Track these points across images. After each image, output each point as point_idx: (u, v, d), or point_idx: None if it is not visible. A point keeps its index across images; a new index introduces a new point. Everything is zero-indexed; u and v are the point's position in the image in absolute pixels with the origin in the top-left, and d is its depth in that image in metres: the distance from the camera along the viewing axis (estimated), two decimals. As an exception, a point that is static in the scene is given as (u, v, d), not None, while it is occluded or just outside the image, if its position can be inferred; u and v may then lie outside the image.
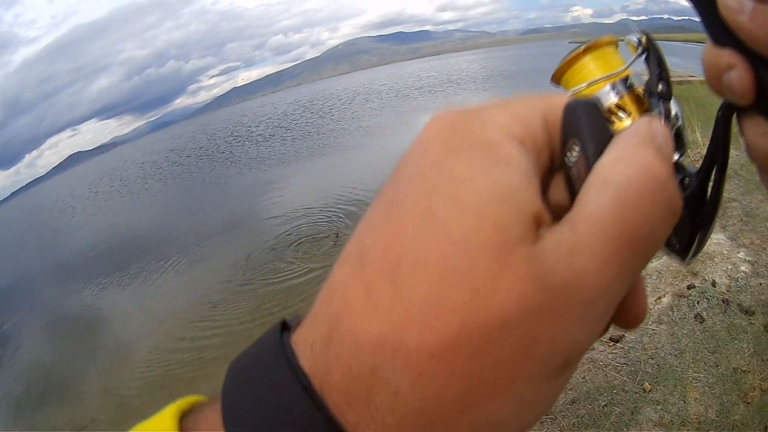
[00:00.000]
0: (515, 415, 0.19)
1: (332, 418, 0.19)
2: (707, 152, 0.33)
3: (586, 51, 0.38)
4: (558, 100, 0.23)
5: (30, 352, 7.44)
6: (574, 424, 2.52)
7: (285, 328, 0.24)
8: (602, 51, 0.38)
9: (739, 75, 0.26)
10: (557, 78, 0.40)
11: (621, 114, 0.36)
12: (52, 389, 5.92)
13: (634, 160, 0.20)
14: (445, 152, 0.20)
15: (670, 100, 0.36)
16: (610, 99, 0.37)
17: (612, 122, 0.36)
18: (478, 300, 0.18)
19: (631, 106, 0.37)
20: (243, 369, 0.23)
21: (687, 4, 0.29)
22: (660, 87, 0.36)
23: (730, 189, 4.41)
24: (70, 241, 16.18)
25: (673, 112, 0.36)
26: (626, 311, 0.22)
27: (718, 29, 0.27)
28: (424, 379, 0.18)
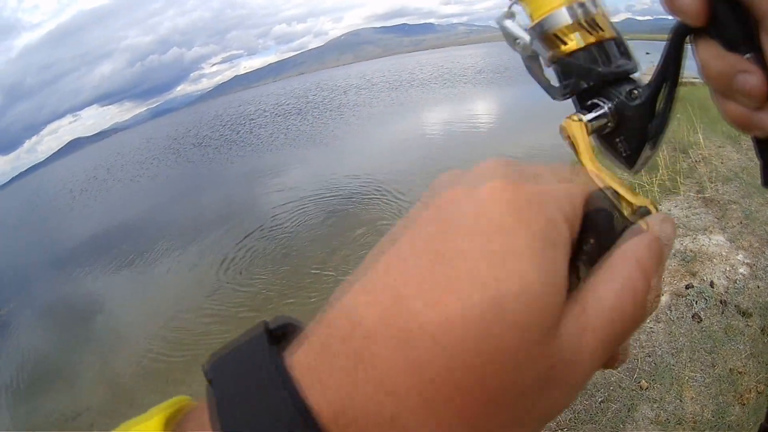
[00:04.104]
0: None
1: None
2: (658, 68, 0.35)
3: None
4: (588, 191, 0.26)
5: (25, 339, 7.42)
6: (570, 419, 2.53)
7: (272, 336, 0.23)
8: None
9: None
10: None
11: (573, 35, 0.37)
12: (47, 377, 5.91)
13: (632, 274, 0.23)
14: (513, 220, 0.21)
15: None
16: (565, 20, 0.37)
17: (564, 42, 0.37)
18: (521, 371, 0.19)
19: (585, 28, 0.37)
20: (234, 380, 0.22)
21: None
22: None
23: (730, 191, 4.42)
24: (67, 227, 16.15)
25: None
26: (615, 359, 0.25)
27: None
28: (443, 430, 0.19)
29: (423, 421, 0.19)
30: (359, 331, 0.20)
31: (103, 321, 7.22)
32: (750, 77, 0.28)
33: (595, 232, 0.25)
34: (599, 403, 2.58)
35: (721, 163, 5.07)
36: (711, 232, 3.85)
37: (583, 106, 0.38)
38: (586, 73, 0.37)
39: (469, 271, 0.20)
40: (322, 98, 37.70)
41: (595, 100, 0.38)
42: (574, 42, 0.37)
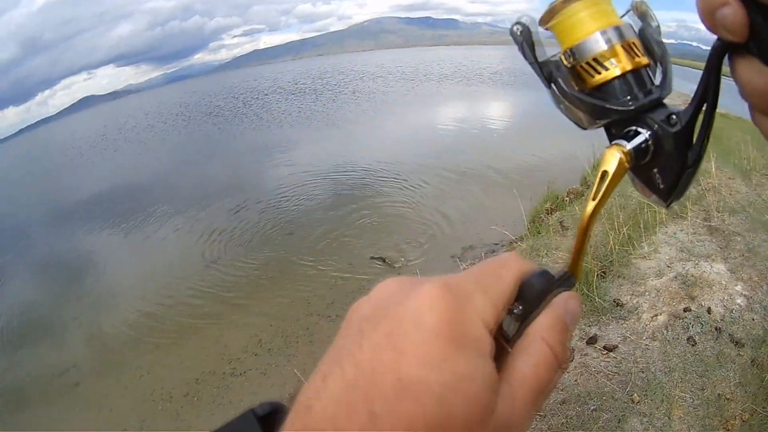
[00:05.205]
0: None
1: None
2: (697, 91, 0.34)
3: None
4: (521, 270, 0.33)
5: (17, 292, 7.40)
6: (562, 423, 2.61)
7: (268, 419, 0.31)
8: None
9: (732, 11, 0.28)
10: (545, 21, 0.38)
11: (608, 62, 0.36)
12: (36, 331, 5.90)
13: (540, 350, 0.31)
14: (449, 347, 0.27)
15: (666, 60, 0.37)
16: (600, 46, 0.36)
17: (597, 71, 0.36)
18: None
19: (621, 55, 0.36)
20: None
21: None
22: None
23: (736, 223, 4.48)
24: (71, 183, 16.05)
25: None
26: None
27: None
28: None
29: None
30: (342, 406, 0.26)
31: (96, 280, 7.21)
32: None
33: (522, 300, 0.32)
34: (591, 411, 2.66)
35: (730, 194, 5.12)
36: (713, 260, 3.93)
37: (618, 135, 0.37)
38: (622, 101, 0.36)
39: (422, 383, 0.25)
40: (338, 81, 37.59)
41: (634, 128, 0.36)
42: (610, 70, 0.36)
